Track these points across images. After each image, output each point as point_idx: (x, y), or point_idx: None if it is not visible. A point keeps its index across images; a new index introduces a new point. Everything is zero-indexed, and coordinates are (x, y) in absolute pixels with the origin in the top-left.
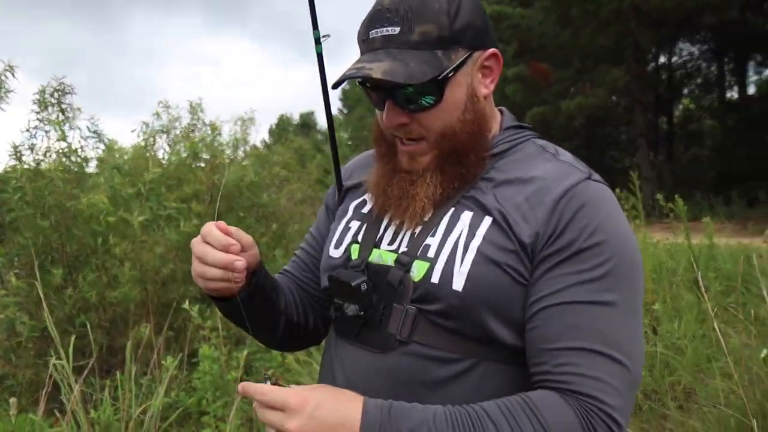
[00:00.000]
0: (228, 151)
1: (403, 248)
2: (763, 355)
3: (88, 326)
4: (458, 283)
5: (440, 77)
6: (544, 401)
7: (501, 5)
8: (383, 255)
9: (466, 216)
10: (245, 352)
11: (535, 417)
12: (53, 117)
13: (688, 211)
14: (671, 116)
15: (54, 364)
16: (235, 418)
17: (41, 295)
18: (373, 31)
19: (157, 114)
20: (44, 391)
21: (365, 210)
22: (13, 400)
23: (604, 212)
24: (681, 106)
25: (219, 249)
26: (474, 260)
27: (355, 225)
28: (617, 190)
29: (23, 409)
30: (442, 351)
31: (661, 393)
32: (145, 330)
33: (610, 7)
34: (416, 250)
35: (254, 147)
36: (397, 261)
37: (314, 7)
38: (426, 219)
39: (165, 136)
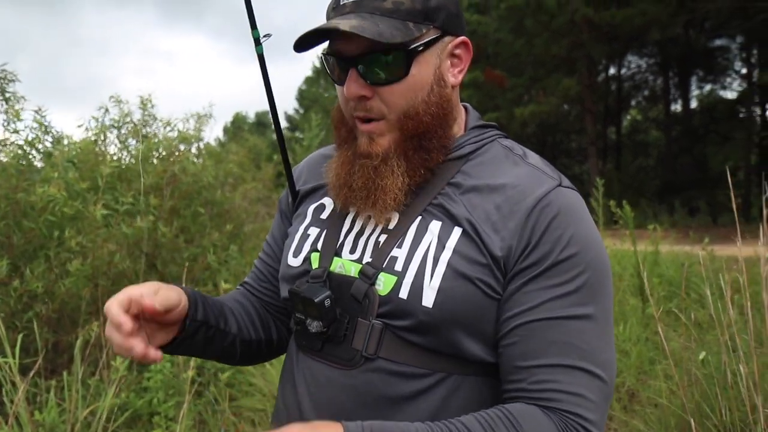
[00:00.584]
0: (182, 147)
1: (367, 258)
2: (701, 357)
3: (35, 323)
4: (428, 299)
5: (410, 48)
6: (524, 415)
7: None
8: (346, 265)
9: (435, 226)
10: None
11: (515, 430)
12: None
13: (634, 218)
14: (620, 126)
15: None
16: (186, 418)
17: None
18: None
19: (106, 108)
20: None
21: (324, 215)
22: None
23: (577, 221)
24: (629, 117)
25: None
26: (444, 275)
27: (314, 232)
28: None
29: None
30: (409, 366)
31: None
32: (94, 328)
33: (563, 19)
34: (382, 261)
35: (208, 144)
36: (361, 272)
37: (251, 7)
38: (391, 226)
39: (116, 131)
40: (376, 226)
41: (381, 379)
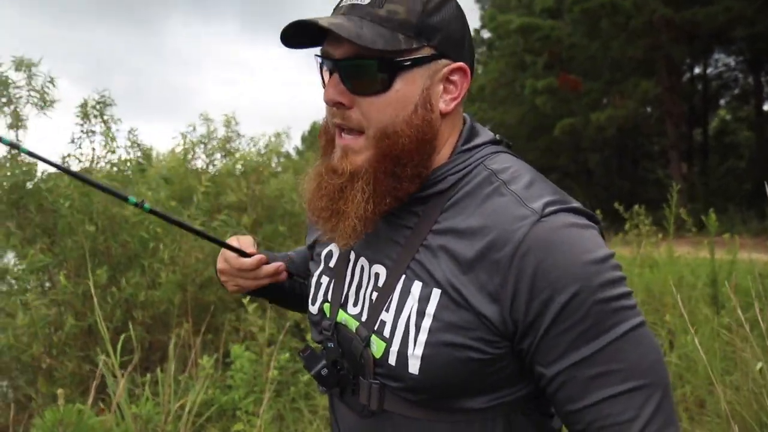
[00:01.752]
0: (270, 162)
1: (363, 315)
2: (758, 367)
3: (131, 325)
4: (414, 367)
5: (394, 60)
6: None
7: (531, 17)
8: (348, 320)
9: (416, 288)
10: (287, 355)
11: None
12: (96, 128)
13: (721, 224)
14: (706, 128)
15: (102, 360)
16: (266, 413)
17: (93, 293)
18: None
19: (194, 126)
20: (94, 384)
21: (332, 263)
22: (60, 391)
23: (563, 255)
24: (716, 118)
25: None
26: (426, 342)
27: (325, 280)
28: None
29: (69, 401)
30: (414, 419)
31: (675, 403)
32: (184, 330)
33: (640, 20)
34: (373, 323)
35: (288, 157)
36: (357, 332)
37: (107, 190)
38: (380, 283)
39: (203, 146)
40: (370, 279)
41: (395, 425)
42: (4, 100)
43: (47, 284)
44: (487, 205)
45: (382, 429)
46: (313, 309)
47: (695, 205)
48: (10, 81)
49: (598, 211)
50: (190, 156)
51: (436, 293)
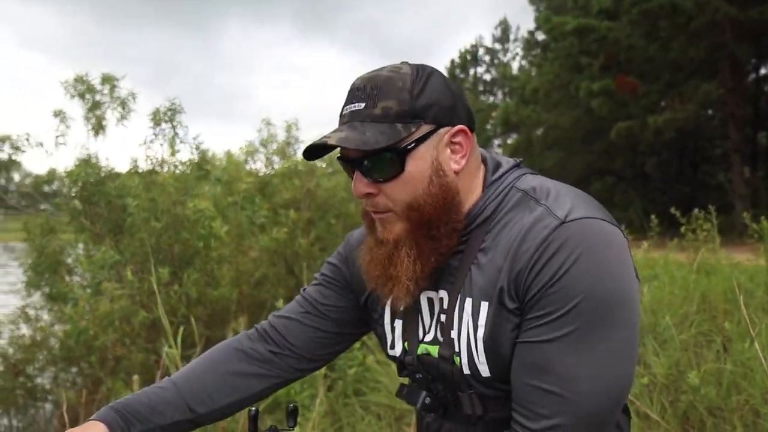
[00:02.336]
0: (323, 164)
1: (439, 338)
2: None
3: (192, 319)
4: (484, 371)
5: (400, 147)
6: None
7: (588, 18)
8: (430, 349)
9: (468, 305)
10: None
11: None
12: (167, 133)
13: None
14: None
15: (166, 351)
16: (320, 407)
17: (156, 289)
18: (345, 107)
19: (260, 131)
20: (159, 373)
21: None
22: (135, 377)
23: (579, 253)
24: None
25: None
26: (485, 350)
27: (399, 324)
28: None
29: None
30: (510, 412)
31: (727, 411)
32: (241, 324)
33: (703, 20)
34: (450, 343)
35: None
36: (439, 356)
37: None
38: (445, 306)
39: (263, 149)
40: (436, 304)
41: (499, 425)
42: (89, 106)
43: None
44: (524, 217)
45: (489, 430)
46: (394, 352)
47: (758, 211)
48: (97, 89)
49: (653, 216)
50: (250, 159)
51: (484, 306)
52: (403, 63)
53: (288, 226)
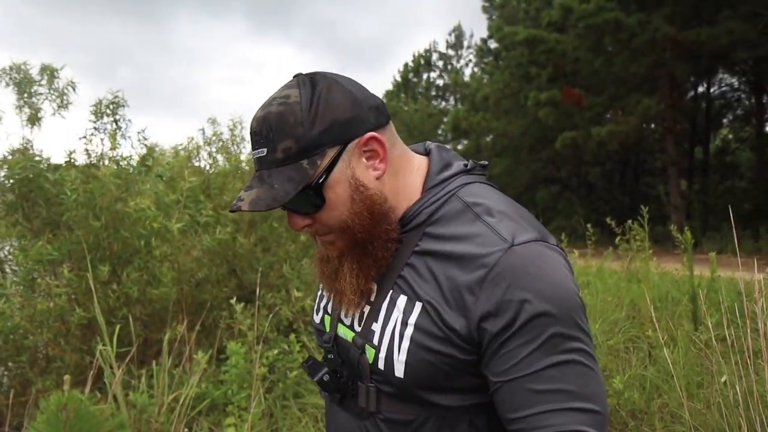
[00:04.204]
0: None
1: (356, 326)
2: (723, 379)
3: (130, 319)
4: (399, 371)
5: (312, 185)
6: None
7: (537, 29)
8: (345, 332)
9: (401, 301)
10: (275, 351)
11: None
12: (108, 127)
13: (715, 243)
14: (707, 146)
15: (100, 350)
16: (256, 407)
17: (92, 287)
18: (253, 152)
19: (202, 130)
20: (91, 373)
21: None
22: (67, 377)
23: (531, 280)
24: (718, 137)
25: None
26: (409, 349)
27: (326, 294)
28: (634, 221)
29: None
30: (407, 415)
31: (650, 414)
32: (181, 328)
33: (644, 38)
34: (366, 333)
35: None
36: (353, 342)
37: None
38: (372, 298)
39: (207, 147)
40: (363, 293)
41: (388, 427)
42: (26, 96)
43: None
44: (463, 233)
45: (378, 429)
46: (316, 318)
47: (692, 222)
48: (34, 80)
49: (589, 225)
50: (194, 156)
51: (417, 306)
52: (292, 82)
53: (230, 226)
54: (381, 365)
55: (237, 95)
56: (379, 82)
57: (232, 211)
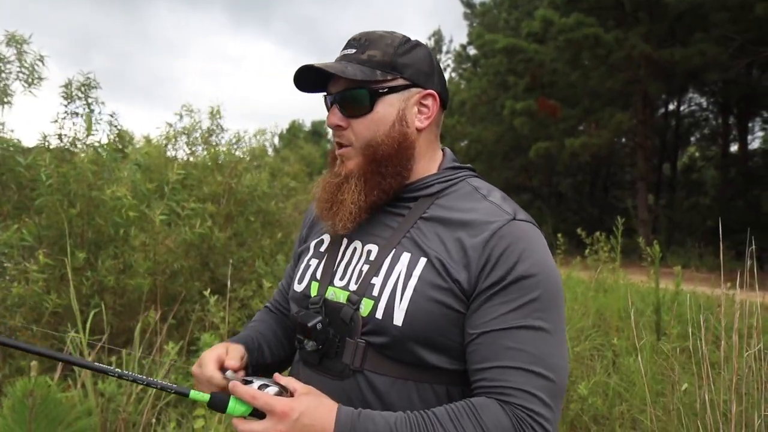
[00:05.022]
0: (247, 158)
1: (352, 285)
2: (683, 388)
3: (103, 307)
4: (398, 319)
5: (373, 88)
6: (484, 407)
7: (517, 39)
8: (337, 293)
9: (405, 257)
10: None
11: (476, 419)
12: (80, 110)
13: (679, 257)
14: (675, 163)
15: (71, 338)
16: None
17: (69, 274)
18: (342, 51)
19: (180, 115)
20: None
21: (323, 248)
22: (34, 363)
23: (528, 248)
24: (686, 154)
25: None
26: (411, 298)
27: (314, 263)
28: (602, 233)
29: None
30: (386, 376)
31: (612, 419)
32: (154, 317)
33: (621, 54)
34: (364, 288)
35: (268, 158)
36: (348, 299)
37: None
38: (372, 258)
39: (185, 137)
40: (361, 255)
41: (366, 387)
42: None
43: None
44: (472, 207)
45: (357, 389)
46: (299, 287)
47: (658, 236)
48: (3, 56)
49: (559, 235)
50: (171, 145)
51: (422, 261)
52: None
53: (206, 219)
54: (379, 314)
55: (214, 88)
56: None
57: (301, 70)
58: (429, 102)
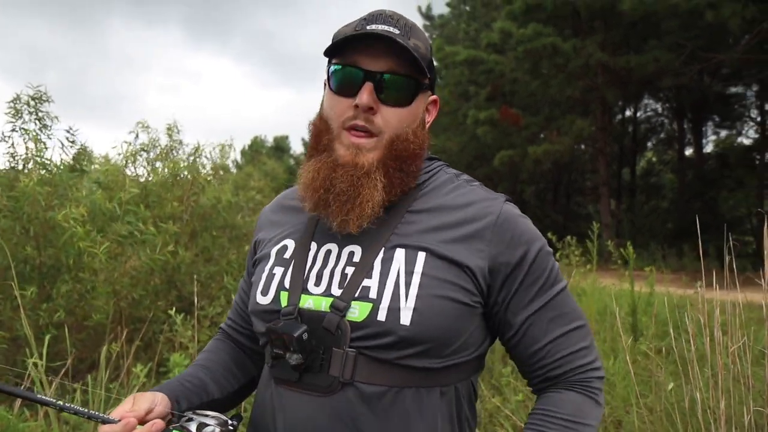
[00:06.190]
0: (209, 170)
1: (334, 290)
2: (669, 387)
3: (66, 328)
4: (405, 318)
5: (419, 81)
6: (555, 401)
7: (477, 50)
8: (314, 300)
9: (400, 254)
10: None
11: (560, 419)
12: (29, 126)
13: (643, 260)
14: (634, 168)
15: (32, 364)
16: None
17: (20, 304)
18: (374, 26)
19: (136, 134)
20: (22, 387)
21: (287, 255)
22: None
23: (528, 225)
24: (644, 159)
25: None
26: (418, 295)
27: (279, 271)
28: (573, 237)
29: None
30: (378, 385)
31: None
32: (118, 346)
33: (579, 63)
34: (353, 292)
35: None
36: (332, 306)
37: None
38: (356, 259)
39: (145, 154)
40: (340, 258)
41: (357, 399)
42: None
43: None
44: (459, 192)
45: (347, 403)
46: (264, 299)
47: (621, 240)
48: None
49: None
50: (130, 163)
51: (421, 255)
52: None
53: (169, 241)
54: (381, 317)
55: (172, 105)
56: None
57: (374, 33)
58: (431, 107)
